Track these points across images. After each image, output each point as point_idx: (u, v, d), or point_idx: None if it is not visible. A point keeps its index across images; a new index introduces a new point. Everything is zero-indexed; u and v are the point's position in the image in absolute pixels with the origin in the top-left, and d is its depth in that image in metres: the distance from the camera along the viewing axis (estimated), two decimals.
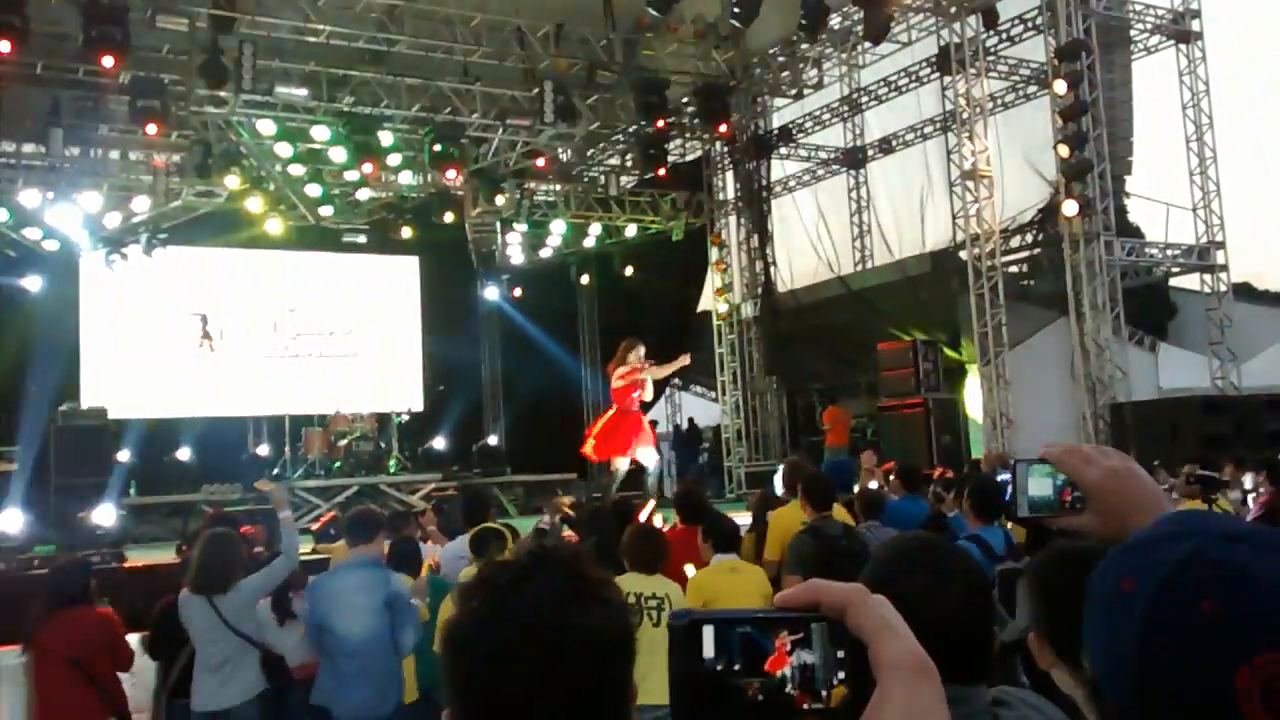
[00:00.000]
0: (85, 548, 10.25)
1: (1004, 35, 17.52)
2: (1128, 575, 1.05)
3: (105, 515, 11.28)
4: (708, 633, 0.87)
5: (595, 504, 7.99)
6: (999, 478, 7.05)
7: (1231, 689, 0.93)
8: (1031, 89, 18.26)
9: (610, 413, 11.33)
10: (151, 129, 13.89)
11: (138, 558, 11.03)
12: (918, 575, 1.84)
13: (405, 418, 17.92)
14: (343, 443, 16.63)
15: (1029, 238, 17.77)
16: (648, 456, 11.10)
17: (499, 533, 5.61)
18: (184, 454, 17.10)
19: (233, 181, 15.77)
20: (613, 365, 11.18)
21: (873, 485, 9.08)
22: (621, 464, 11.18)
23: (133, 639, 6.13)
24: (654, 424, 11.78)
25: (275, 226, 17.51)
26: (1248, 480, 7.62)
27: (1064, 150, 15.10)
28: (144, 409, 17.16)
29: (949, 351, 17.57)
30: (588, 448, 11.51)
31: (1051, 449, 1.49)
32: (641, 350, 11.04)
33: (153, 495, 15.45)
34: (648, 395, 11.28)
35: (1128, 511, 1.38)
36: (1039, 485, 1.48)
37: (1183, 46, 17.07)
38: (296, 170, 16.62)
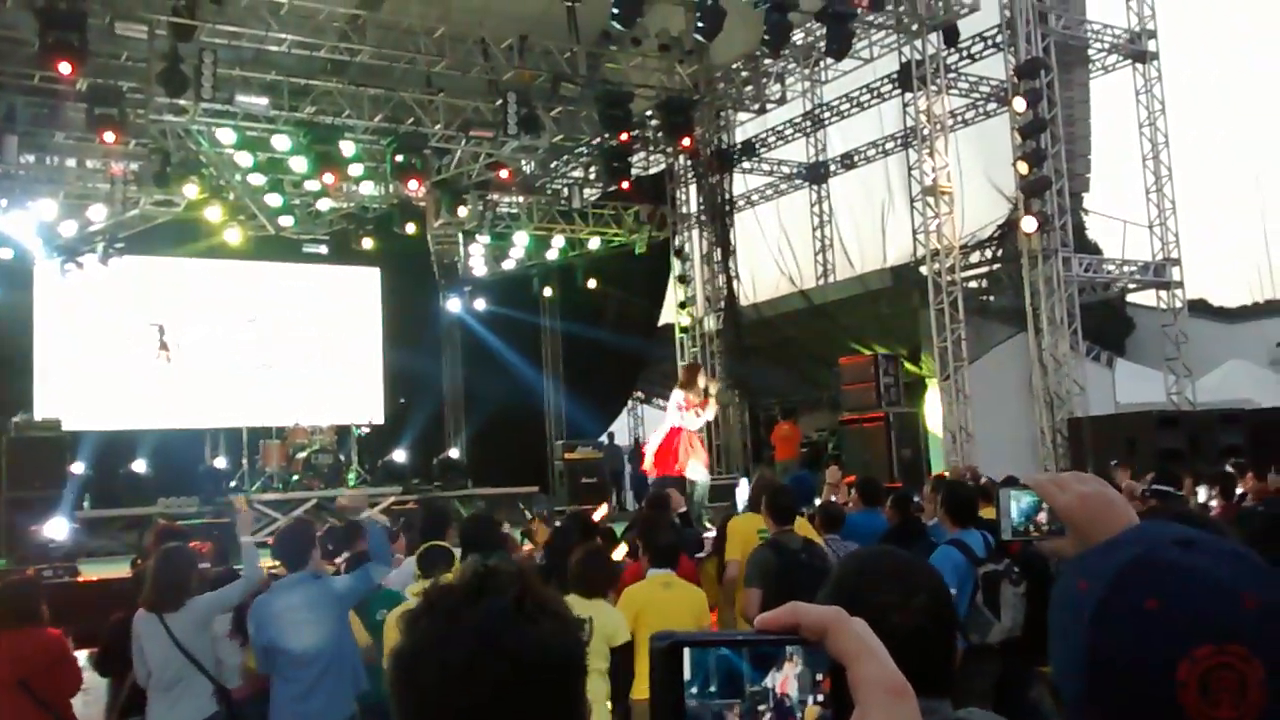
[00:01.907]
0: (36, 562, 10.06)
1: (964, 53, 17.72)
2: (1083, 577, 1.11)
3: (57, 529, 11.08)
4: (687, 655, 0.87)
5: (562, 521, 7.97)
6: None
7: (1173, 680, 0.99)
8: (991, 106, 18.47)
9: (669, 430, 11.80)
10: (109, 137, 13.69)
11: (91, 572, 10.83)
12: (883, 589, 1.87)
13: (365, 430, 17.78)
14: (301, 455, 16.46)
15: (989, 253, 17.95)
16: (697, 472, 11.64)
17: (447, 552, 5.55)
18: (140, 466, 16.84)
19: (191, 191, 15.60)
20: (681, 387, 11.93)
21: (834, 499, 9.11)
22: (697, 476, 11.68)
23: (83, 656, 6.02)
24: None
25: (234, 236, 17.35)
26: (1201, 494, 7.71)
27: (1023, 167, 15.28)
28: (99, 420, 16.92)
29: (909, 366, 17.69)
30: (646, 463, 12.09)
31: (1031, 476, 1.57)
32: (703, 373, 12.13)
33: (107, 508, 15.20)
34: (709, 415, 12.08)
35: (1101, 535, 1.42)
36: (1020, 509, 1.54)
37: (1139, 66, 17.35)
38: (256, 180, 16.46)
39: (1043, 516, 1.52)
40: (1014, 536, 1.57)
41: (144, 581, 5.70)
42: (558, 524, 8.23)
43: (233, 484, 16.26)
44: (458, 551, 5.95)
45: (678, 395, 11.92)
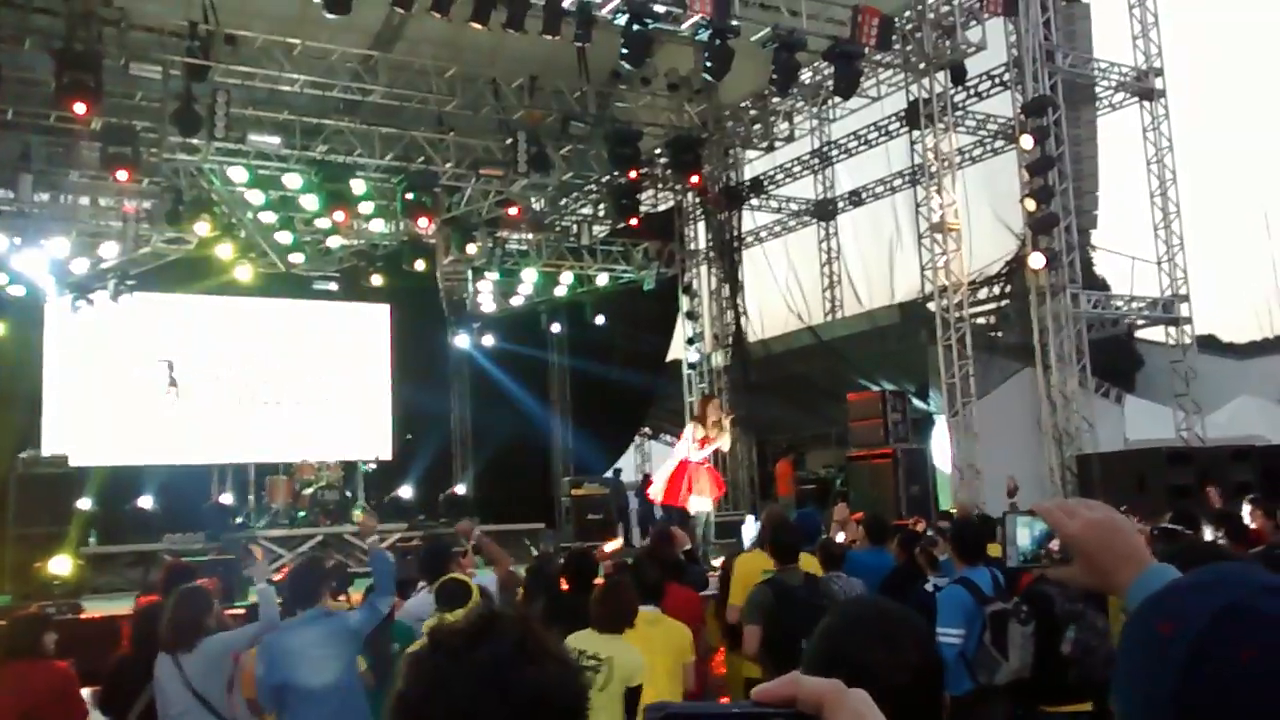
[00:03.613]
0: (41, 599, 10.05)
1: (972, 91, 17.82)
2: (1166, 620, 1.07)
3: (62, 565, 11.07)
4: None
5: (543, 559, 7.93)
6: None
7: None
8: (999, 144, 18.56)
9: (679, 462, 12.03)
10: (122, 175, 13.82)
11: (96, 609, 10.81)
12: (872, 644, 1.88)
13: (372, 466, 17.76)
14: (308, 491, 16.44)
15: (996, 290, 17.96)
16: (700, 505, 11.86)
17: (465, 586, 5.51)
18: (146, 502, 16.83)
19: (203, 228, 15.69)
20: (694, 420, 12.20)
21: (840, 537, 9.07)
22: (700, 506, 11.87)
23: (86, 693, 5.99)
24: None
25: (245, 273, 17.43)
26: (1208, 533, 7.63)
27: (1031, 204, 15.32)
28: (107, 456, 16.92)
29: (917, 402, 17.65)
30: (653, 491, 12.36)
31: (1040, 504, 1.55)
32: (714, 406, 12.32)
33: (113, 544, 15.18)
34: (722, 444, 12.22)
35: (1109, 562, 1.42)
36: (1026, 536, 1.53)
37: (1146, 103, 17.42)
38: (268, 217, 16.60)
39: (1054, 544, 1.51)
40: (1022, 564, 1.58)
41: (148, 619, 5.70)
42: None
43: (239, 520, 16.24)
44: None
45: (689, 428, 12.14)
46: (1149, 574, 1.39)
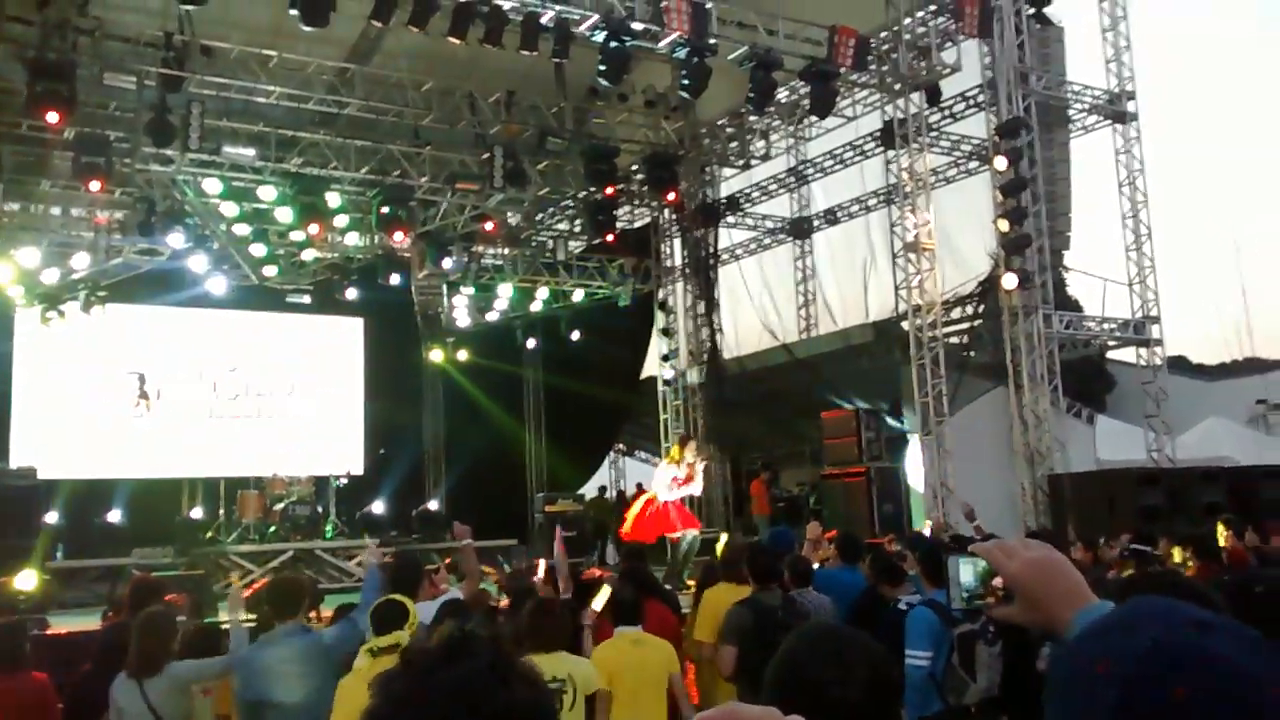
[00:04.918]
0: (6, 615, 9.89)
1: (946, 112, 17.96)
2: (1102, 658, 1.10)
3: (27, 580, 10.92)
4: None
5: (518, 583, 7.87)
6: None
7: None
8: (973, 164, 18.71)
9: (648, 497, 12.10)
10: (95, 185, 13.72)
11: (61, 624, 10.66)
12: (824, 664, 1.95)
13: (344, 481, 17.67)
14: (279, 506, 16.34)
15: (969, 309, 18.07)
16: (686, 529, 11.93)
17: (402, 608, 5.42)
18: (115, 516, 16.69)
19: (176, 240, 15.60)
20: (671, 459, 12.19)
21: (812, 557, 9.05)
22: (683, 534, 11.93)
23: None
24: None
25: (218, 285, 17.33)
26: (1176, 555, 7.69)
27: (1004, 225, 15.43)
28: (76, 469, 16.77)
29: (891, 420, 17.72)
30: (626, 527, 12.22)
31: (980, 544, 1.58)
32: (691, 448, 12.26)
33: (81, 559, 15.01)
34: (694, 489, 12.30)
35: (1050, 601, 1.44)
36: (970, 575, 1.54)
37: (1119, 126, 17.61)
38: (241, 230, 16.51)
39: (998, 581, 1.53)
40: (966, 605, 1.59)
41: (114, 636, 5.63)
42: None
43: (209, 534, 16.10)
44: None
45: (665, 468, 12.22)
46: (1089, 611, 1.41)
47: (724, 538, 11.73)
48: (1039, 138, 16.24)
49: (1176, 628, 1.08)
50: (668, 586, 9.92)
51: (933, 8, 16.23)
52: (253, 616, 7.10)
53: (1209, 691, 1.02)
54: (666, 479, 11.98)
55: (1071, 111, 17.93)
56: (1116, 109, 17.56)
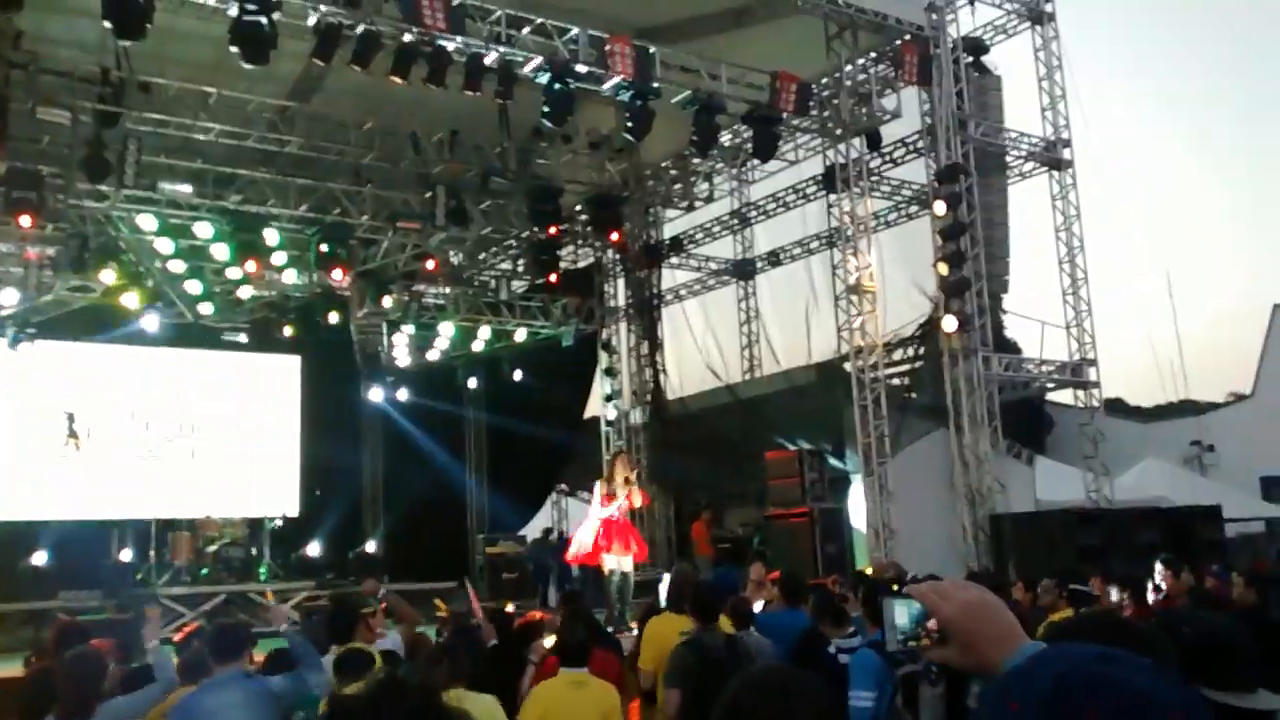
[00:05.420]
0: None
1: (887, 157, 18.25)
2: (1013, 699, 1.16)
3: None
4: None
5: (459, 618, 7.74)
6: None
7: None
8: (913, 209, 19.00)
9: (598, 521, 12.06)
10: (25, 221, 13.42)
11: None
12: (771, 708, 1.99)
13: (279, 523, 17.34)
14: (212, 548, 16.01)
15: (911, 351, 18.25)
16: (613, 562, 11.90)
17: (369, 656, 5.31)
18: (40, 558, 16.21)
19: (109, 276, 15.31)
20: (604, 479, 12.30)
21: (755, 598, 8.98)
22: (616, 564, 11.89)
23: None
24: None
25: (152, 323, 17.01)
26: (1113, 594, 7.75)
27: (943, 268, 15.64)
28: (1, 510, 16.28)
29: (834, 461, 17.77)
30: (570, 552, 12.35)
31: (915, 586, 1.61)
32: (623, 463, 12.45)
33: (5, 602, 14.53)
34: (636, 501, 12.35)
35: (983, 642, 1.46)
36: (905, 617, 1.56)
37: (1055, 173, 17.98)
38: (177, 266, 16.23)
39: (932, 623, 1.54)
40: (901, 647, 1.60)
41: (39, 681, 5.41)
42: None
43: (139, 577, 15.69)
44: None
45: (598, 486, 12.29)
46: (1022, 653, 1.41)
47: (666, 578, 11.67)
48: (977, 183, 16.53)
49: (1083, 660, 1.15)
50: (609, 629, 9.82)
51: (873, 55, 16.51)
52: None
53: (1116, 712, 1.08)
54: (598, 497, 12.13)
55: (1009, 158, 18.29)
56: (1052, 156, 17.94)
